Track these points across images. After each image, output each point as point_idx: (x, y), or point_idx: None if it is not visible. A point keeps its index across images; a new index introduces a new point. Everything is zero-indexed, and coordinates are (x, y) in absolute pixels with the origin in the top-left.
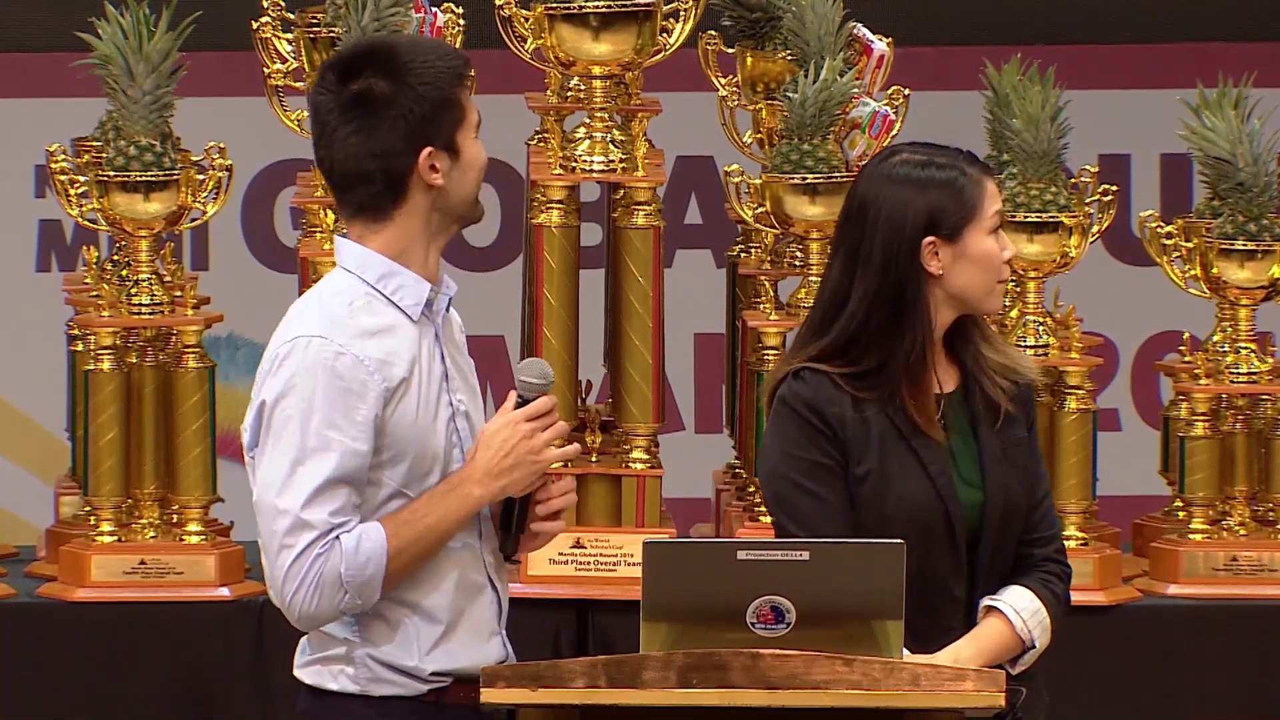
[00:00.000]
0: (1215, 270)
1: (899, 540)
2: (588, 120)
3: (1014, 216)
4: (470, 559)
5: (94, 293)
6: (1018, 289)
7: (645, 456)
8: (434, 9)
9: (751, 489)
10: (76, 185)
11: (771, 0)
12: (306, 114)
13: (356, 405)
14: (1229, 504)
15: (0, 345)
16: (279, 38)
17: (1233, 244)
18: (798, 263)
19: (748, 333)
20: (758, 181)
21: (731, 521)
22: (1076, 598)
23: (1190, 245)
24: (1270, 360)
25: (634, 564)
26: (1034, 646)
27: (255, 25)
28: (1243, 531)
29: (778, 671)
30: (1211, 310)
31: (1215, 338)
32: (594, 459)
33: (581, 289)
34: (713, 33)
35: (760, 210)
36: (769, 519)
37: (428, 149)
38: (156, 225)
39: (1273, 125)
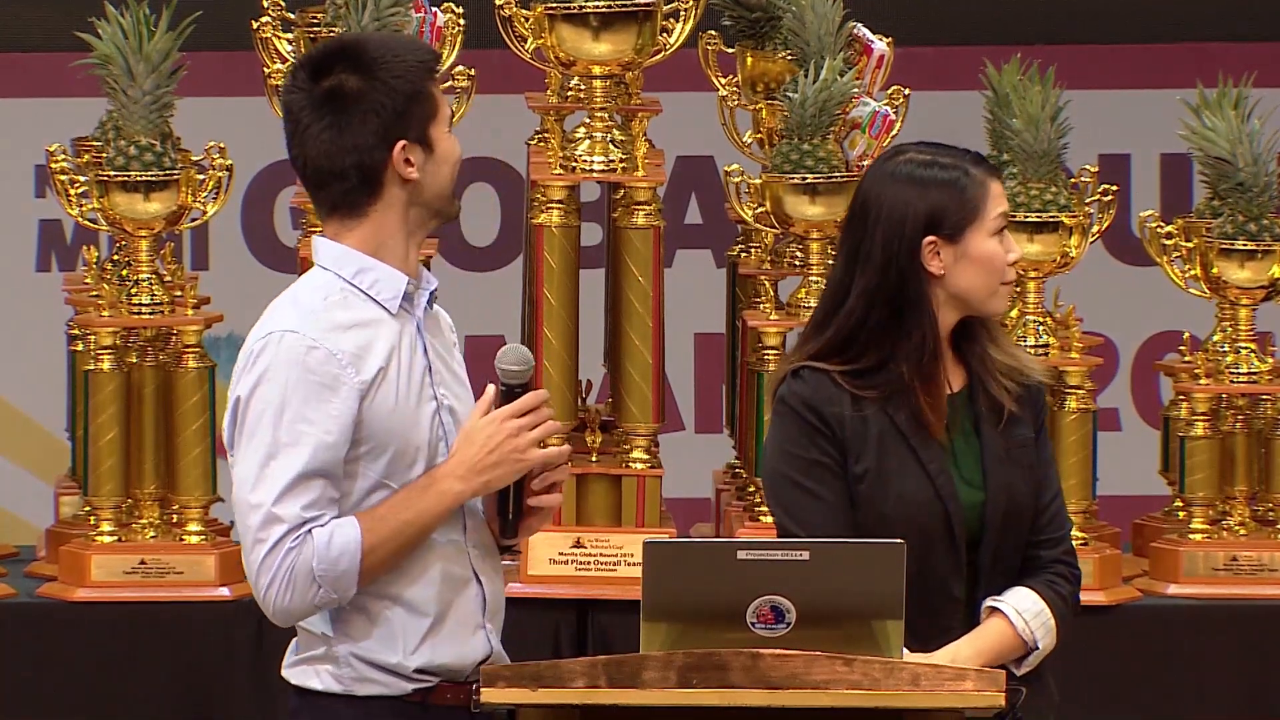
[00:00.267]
0: (1215, 270)
1: (899, 540)
2: (588, 120)
3: (1014, 216)
4: (454, 552)
5: (94, 293)
6: (1018, 289)
7: (645, 456)
8: (434, 9)
9: (752, 489)
10: (76, 185)
11: (771, 0)
12: None
13: (329, 399)
14: (1229, 504)
15: (0, 345)
16: (279, 38)
17: (1233, 244)
18: (798, 263)
19: (748, 333)
20: (758, 181)
21: (731, 521)
22: None
23: (1190, 245)
24: (1270, 360)
25: (634, 564)
26: (1037, 648)
27: (255, 25)
28: (1243, 531)
29: (778, 671)
30: (1211, 310)
31: (1215, 338)
32: (594, 459)
33: (581, 289)
34: (713, 33)
35: (760, 210)
36: (769, 519)
37: (401, 143)
38: (156, 225)
39: (1273, 125)
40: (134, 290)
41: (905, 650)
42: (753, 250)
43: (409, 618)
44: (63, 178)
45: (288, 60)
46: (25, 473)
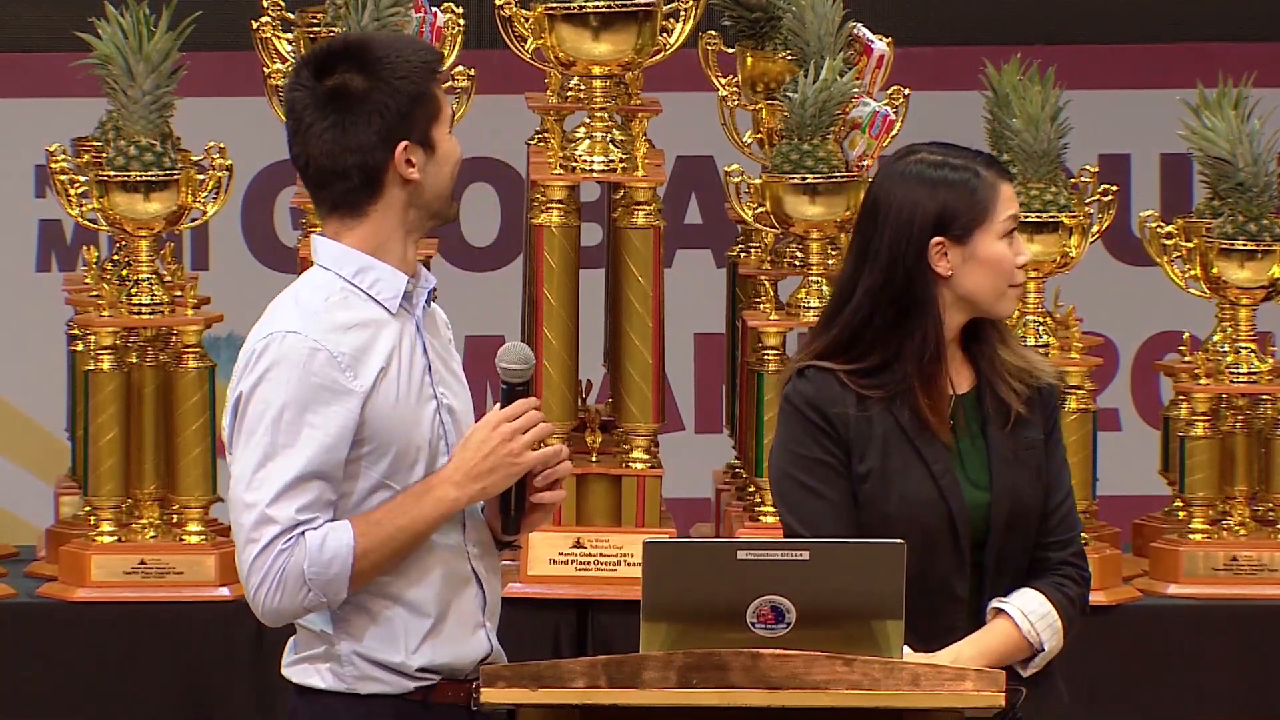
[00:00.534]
0: (1215, 270)
1: (899, 540)
2: (588, 120)
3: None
4: (454, 552)
5: (94, 293)
6: None
7: (645, 456)
8: (434, 9)
9: (752, 489)
10: (76, 185)
11: (771, 0)
12: None
13: (330, 401)
14: (1229, 504)
15: (0, 345)
16: (279, 38)
17: (1233, 244)
18: (798, 263)
19: (748, 333)
20: (758, 181)
21: (731, 521)
22: None
23: (1190, 245)
24: (1270, 360)
25: (634, 564)
26: (1043, 649)
27: (255, 25)
28: (1243, 531)
29: (778, 671)
30: (1211, 310)
31: (1215, 338)
32: (594, 459)
33: (581, 289)
34: (713, 33)
35: (760, 210)
36: (769, 519)
37: (403, 144)
38: (156, 225)
39: (1273, 125)
40: (134, 290)
41: (907, 650)
42: (753, 250)
43: (410, 618)
44: (63, 178)
45: (288, 60)
46: (25, 473)
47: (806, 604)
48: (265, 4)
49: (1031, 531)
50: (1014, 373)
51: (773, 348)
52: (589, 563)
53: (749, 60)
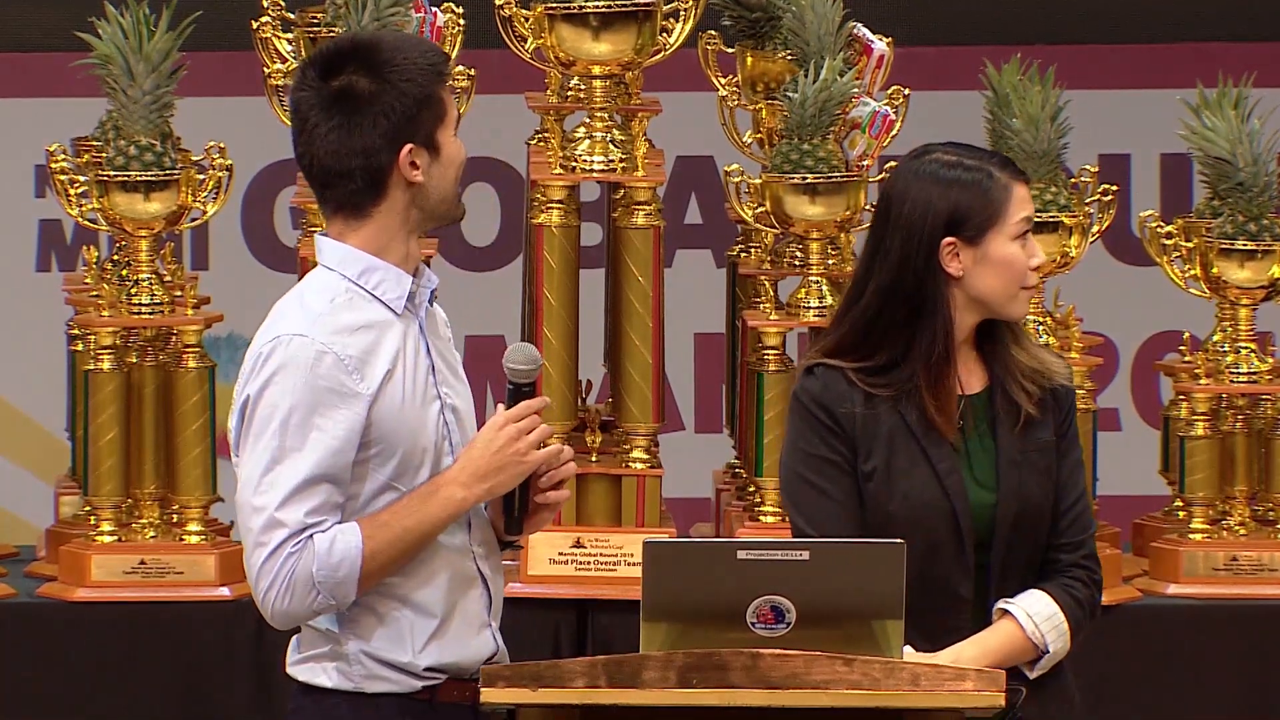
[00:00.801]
0: (1215, 270)
1: (899, 540)
2: (588, 120)
3: None
4: (460, 553)
5: (94, 293)
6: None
7: (645, 456)
8: (434, 9)
9: (752, 489)
10: (76, 185)
11: (771, 0)
12: None
13: (337, 405)
14: (1229, 504)
15: (0, 345)
16: (279, 38)
17: (1233, 244)
18: (798, 263)
19: (748, 333)
20: (758, 181)
21: (731, 521)
22: None
23: (1190, 245)
24: (1270, 360)
25: (634, 564)
26: (1048, 651)
27: (255, 25)
28: (1243, 531)
29: (778, 671)
30: (1211, 310)
31: (1215, 338)
32: (594, 459)
33: (581, 289)
34: (713, 33)
35: (760, 210)
36: (769, 519)
37: (408, 146)
38: (156, 225)
39: (1273, 125)
40: (134, 290)
41: (909, 649)
42: (753, 250)
43: (416, 618)
44: (63, 178)
45: (288, 60)
46: (25, 473)
47: (806, 604)
48: (265, 4)
49: (1041, 533)
50: (1027, 374)
51: (773, 348)
52: (589, 563)
53: (749, 60)
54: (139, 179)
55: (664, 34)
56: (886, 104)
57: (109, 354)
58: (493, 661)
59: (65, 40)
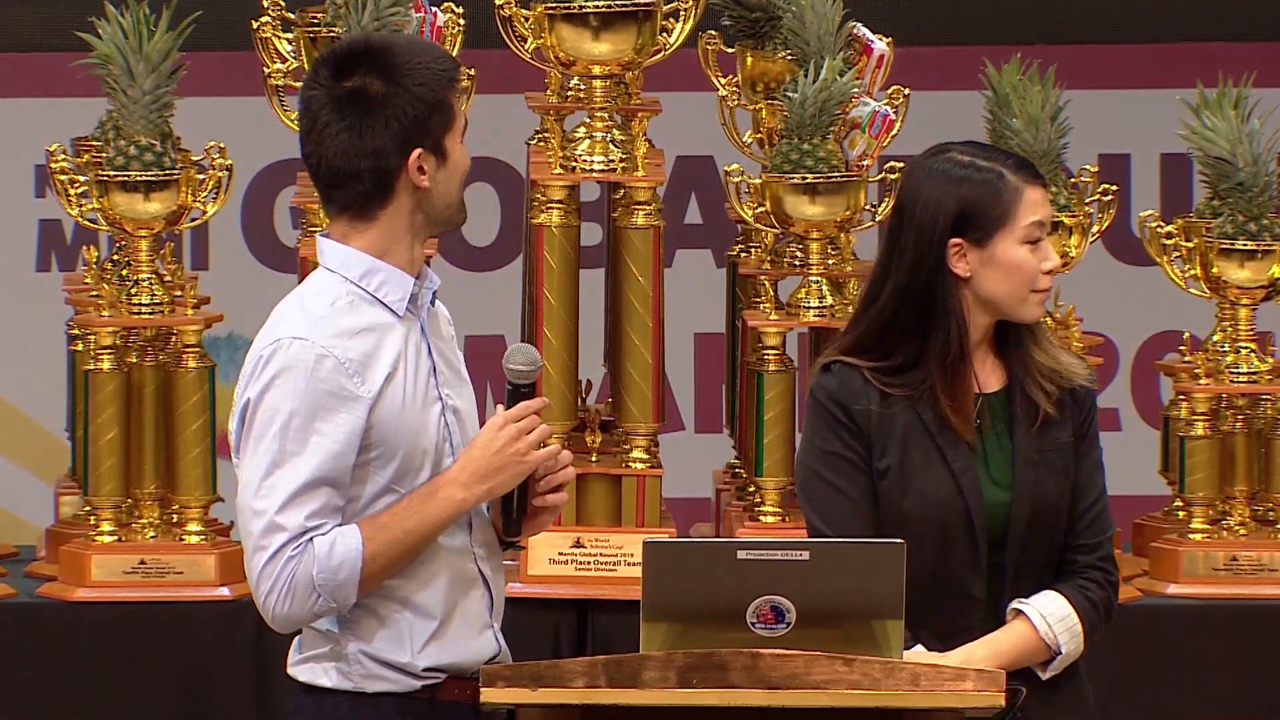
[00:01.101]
0: (1215, 270)
1: (899, 540)
2: (588, 120)
3: None
4: (460, 553)
5: (94, 293)
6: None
7: (645, 456)
8: (434, 9)
9: (752, 489)
10: (76, 185)
11: (771, 0)
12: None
13: (337, 408)
14: (1229, 504)
15: (0, 345)
16: (279, 38)
17: (1233, 244)
18: (798, 263)
19: (748, 333)
20: (758, 181)
21: (731, 521)
22: None
23: (1190, 245)
24: (1270, 360)
25: (634, 564)
26: (1060, 652)
27: (255, 25)
28: (1243, 531)
29: (778, 671)
30: (1211, 310)
31: (1215, 338)
32: (594, 459)
33: (581, 289)
34: (713, 33)
35: (760, 210)
36: (769, 519)
37: (417, 150)
38: (156, 225)
39: (1273, 125)
40: (134, 290)
41: (920, 648)
42: (753, 250)
43: (416, 620)
44: (63, 178)
45: (288, 60)
46: (25, 473)
47: (806, 604)
48: (265, 4)
49: (1056, 533)
50: (1045, 374)
51: (773, 348)
52: (589, 563)
53: (749, 60)
54: (139, 179)
55: (664, 34)
56: (886, 104)
57: (109, 354)
58: (494, 662)
59: (65, 40)
